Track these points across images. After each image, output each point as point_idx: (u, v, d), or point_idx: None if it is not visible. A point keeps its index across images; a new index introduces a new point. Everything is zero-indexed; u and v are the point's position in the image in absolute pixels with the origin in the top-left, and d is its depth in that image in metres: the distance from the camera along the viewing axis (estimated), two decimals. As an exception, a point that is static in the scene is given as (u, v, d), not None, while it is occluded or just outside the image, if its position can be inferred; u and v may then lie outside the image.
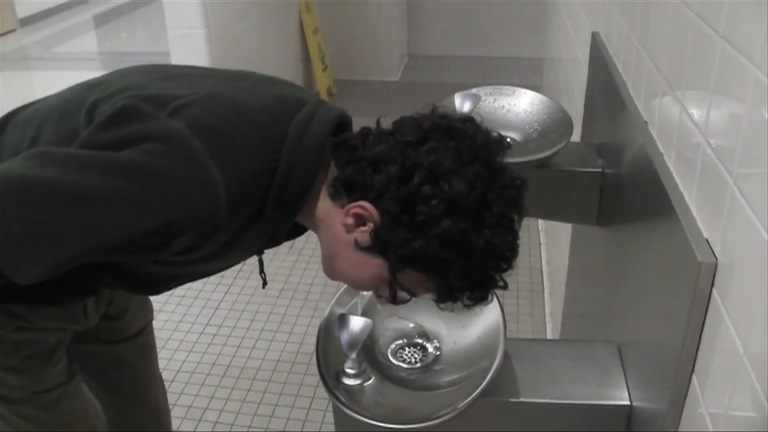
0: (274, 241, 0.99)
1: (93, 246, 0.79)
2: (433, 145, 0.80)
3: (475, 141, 0.82)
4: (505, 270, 0.83)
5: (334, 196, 0.86)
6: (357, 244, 0.84)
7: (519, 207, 0.83)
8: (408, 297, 0.87)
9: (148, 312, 1.37)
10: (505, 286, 0.84)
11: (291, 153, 0.85)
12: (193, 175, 0.79)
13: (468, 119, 0.86)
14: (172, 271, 0.99)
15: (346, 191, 0.84)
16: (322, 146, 0.86)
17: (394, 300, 0.87)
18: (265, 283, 1.13)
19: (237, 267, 2.74)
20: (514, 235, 0.83)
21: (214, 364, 2.32)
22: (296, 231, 1.00)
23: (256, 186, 0.84)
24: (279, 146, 0.85)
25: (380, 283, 0.86)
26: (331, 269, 0.90)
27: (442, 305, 0.85)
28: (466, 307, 0.85)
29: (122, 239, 0.79)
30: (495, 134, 0.86)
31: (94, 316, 1.15)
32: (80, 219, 0.78)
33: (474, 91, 1.21)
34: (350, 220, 0.83)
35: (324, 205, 0.88)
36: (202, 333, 2.46)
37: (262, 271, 1.10)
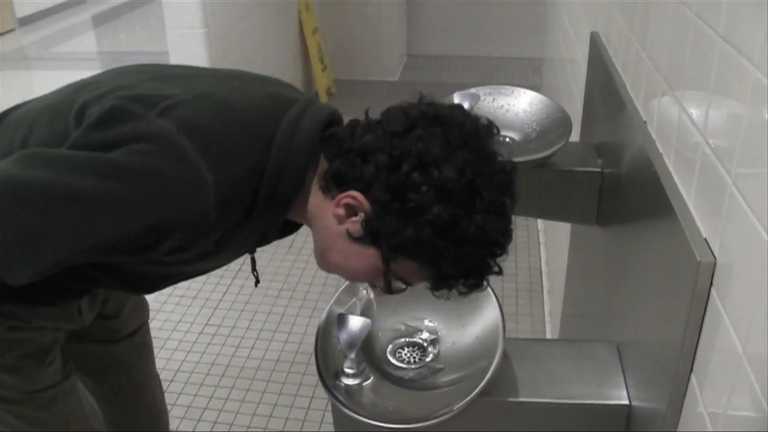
0: (265, 240, 1.00)
1: (86, 247, 0.80)
2: (421, 132, 0.80)
3: (463, 127, 0.82)
4: (499, 255, 0.83)
5: (324, 190, 0.86)
6: (349, 235, 0.84)
7: (510, 192, 0.82)
8: (403, 286, 0.87)
9: (143, 311, 1.37)
10: (500, 272, 0.84)
11: (281, 152, 0.85)
12: (184, 175, 0.79)
13: (456, 106, 0.86)
14: (166, 271, 0.99)
15: (336, 183, 0.84)
16: (311, 145, 0.86)
17: (390, 290, 0.87)
18: (257, 281, 1.13)
19: (235, 267, 2.75)
20: (507, 221, 0.82)
21: (213, 363, 2.31)
22: (288, 229, 1.00)
23: (246, 186, 0.84)
24: (269, 146, 0.85)
25: (374, 274, 0.86)
26: (324, 262, 0.90)
27: (437, 293, 0.85)
28: (462, 294, 0.85)
29: (115, 240, 0.79)
30: (484, 120, 0.85)
31: (88, 315, 1.15)
32: (74, 220, 0.78)
33: (473, 90, 1.21)
34: (341, 211, 0.83)
35: (316, 199, 0.88)
36: (201, 333, 2.46)
37: (254, 269, 1.10)
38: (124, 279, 1.01)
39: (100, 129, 0.81)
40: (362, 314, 0.92)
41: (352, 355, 0.88)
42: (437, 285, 0.84)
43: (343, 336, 0.87)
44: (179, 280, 1.04)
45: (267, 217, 0.88)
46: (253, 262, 1.08)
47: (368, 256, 0.84)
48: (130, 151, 0.78)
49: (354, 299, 0.97)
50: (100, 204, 0.77)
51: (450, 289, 0.84)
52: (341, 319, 0.88)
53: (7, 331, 1.02)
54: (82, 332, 1.20)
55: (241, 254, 1.02)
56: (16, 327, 1.03)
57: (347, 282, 0.99)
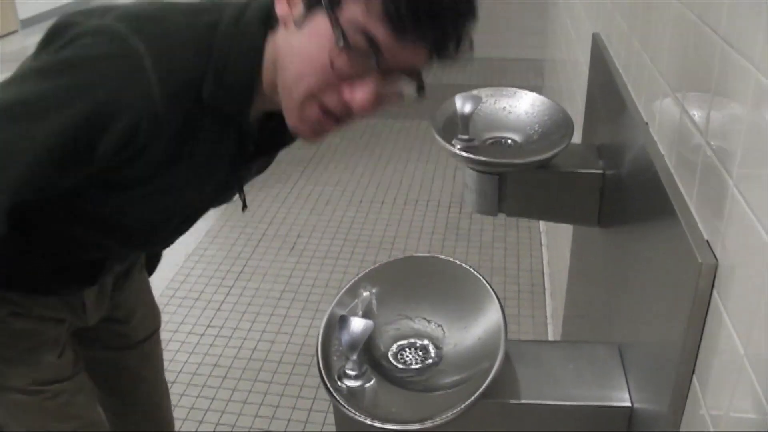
0: (246, 147, 0.94)
1: (39, 154, 0.78)
2: None
3: None
4: None
5: (273, 27, 0.85)
6: (296, 23, 0.81)
7: None
8: (371, 64, 0.80)
9: (155, 318, 1.37)
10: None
11: (231, 25, 0.83)
12: (118, 50, 0.78)
13: None
14: (144, 205, 0.95)
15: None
16: (265, 12, 0.84)
17: (348, 48, 0.79)
18: (244, 206, 1.09)
19: (237, 269, 2.75)
20: None
21: (215, 365, 2.32)
22: (280, 142, 0.97)
23: (192, 61, 0.82)
24: (214, 26, 0.84)
25: (332, 48, 0.79)
26: (288, 89, 0.85)
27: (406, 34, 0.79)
28: (443, 58, 0.83)
29: (61, 135, 0.77)
30: None
31: (93, 313, 1.15)
32: (22, 128, 0.77)
33: (475, 92, 1.20)
34: (284, 5, 0.82)
35: (270, 47, 0.85)
36: (203, 334, 2.47)
37: (241, 191, 1.06)
38: (116, 231, 0.99)
39: (46, 44, 0.82)
40: (364, 316, 0.92)
41: (354, 357, 0.88)
42: (394, 21, 0.77)
43: (345, 338, 0.87)
44: (173, 216, 1.00)
45: (226, 94, 0.84)
46: (240, 184, 1.04)
47: (318, 30, 0.80)
48: (72, 48, 0.79)
49: (356, 301, 0.97)
50: (43, 101, 0.77)
51: (412, 20, 0.78)
52: (343, 321, 0.88)
53: (9, 317, 1.02)
54: (92, 337, 1.20)
55: (223, 174, 0.97)
56: (17, 314, 1.03)
57: (349, 284, 1.00)
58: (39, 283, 1.05)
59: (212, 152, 0.91)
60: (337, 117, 0.85)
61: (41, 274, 1.04)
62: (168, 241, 1.09)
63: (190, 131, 0.86)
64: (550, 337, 2.34)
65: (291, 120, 0.87)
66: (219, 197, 1.03)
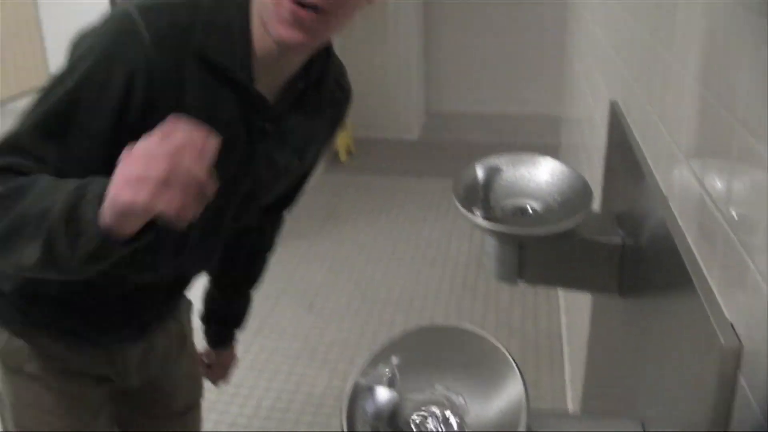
0: (259, 116, 0.98)
1: (48, 117, 0.86)
2: None
3: None
4: None
5: None
6: None
7: None
8: None
9: (199, 389, 1.36)
10: None
11: None
12: (114, 19, 0.87)
13: None
14: None
15: None
16: None
17: None
18: None
19: (255, 324, 2.75)
20: None
21: (232, 424, 2.30)
22: (302, 109, 1.02)
23: (177, 11, 0.88)
24: None
25: None
26: (263, 3, 0.90)
27: None
28: None
29: (67, 97, 0.85)
30: None
31: (135, 373, 1.15)
32: (44, 106, 0.87)
33: (494, 160, 1.23)
34: None
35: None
36: (220, 392, 2.45)
37: (262, 167, 1.06)
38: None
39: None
40: (388, 385, 0.92)
41: (380, 429, 0.88)
42: None
43: (370, 408, 0.87)
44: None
45: (215, 39, 0.89)
46: (262, 162, 1.04)
47: None
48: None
49: (379, 371, 0.98)
50: (59, 75, 0.87)
51: None
52: (367, 391, 0.89)
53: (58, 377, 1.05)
54: (132, 401, 1.20)
55: (237, 144, 0.98)
56: (65, 371, 1.05)
57: (372, 354, 1.00)
58: (79, 330, 1.06)
59: (210, 108, 0.93)
60: (310, 4, 0.87)
61: (80, 318, 1.06)
62: (199, 255, 1.09)
63: (182, 82, 0.90)
64: (569, 402, 2.31)
65: (272, 28, 0.89)
66: (243, 182, 1.03)
